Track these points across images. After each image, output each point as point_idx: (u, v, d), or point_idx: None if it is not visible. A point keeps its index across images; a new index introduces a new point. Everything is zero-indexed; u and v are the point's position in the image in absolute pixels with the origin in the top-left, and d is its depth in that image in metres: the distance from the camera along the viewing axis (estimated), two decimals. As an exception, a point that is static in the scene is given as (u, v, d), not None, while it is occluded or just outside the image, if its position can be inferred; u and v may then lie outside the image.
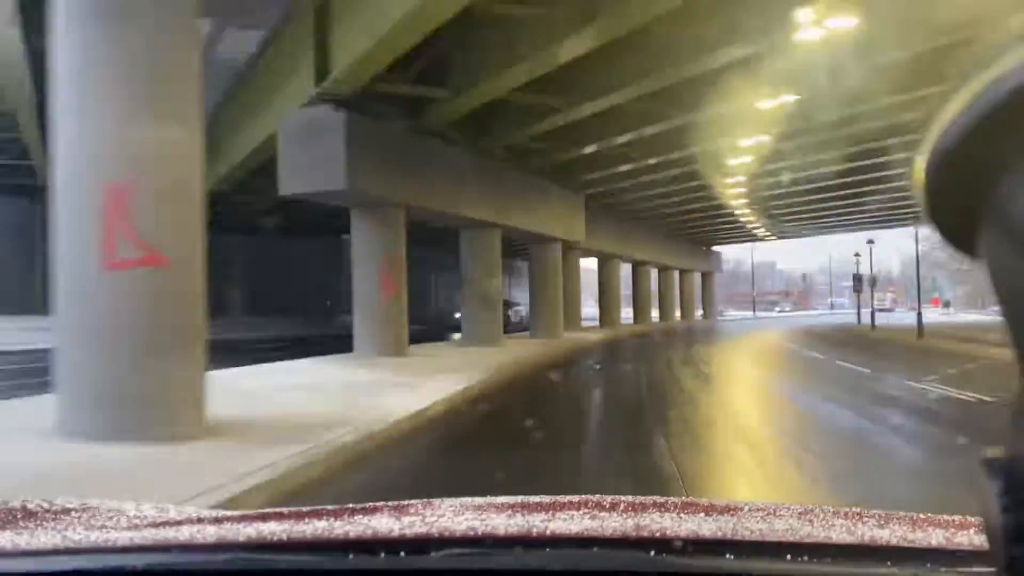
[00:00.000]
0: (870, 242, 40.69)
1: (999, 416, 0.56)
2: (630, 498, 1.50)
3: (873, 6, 10.89)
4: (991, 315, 33.03)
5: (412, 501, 1.50)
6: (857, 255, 43.51)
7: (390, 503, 1.49)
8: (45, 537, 1.26)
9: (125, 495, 2.05)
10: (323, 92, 13.10)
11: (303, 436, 6.28)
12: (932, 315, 45.25)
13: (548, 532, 1.18)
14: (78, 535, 1.27)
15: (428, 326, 28.24)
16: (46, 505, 1.57)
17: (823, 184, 25.21)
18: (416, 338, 17.71)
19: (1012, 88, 0.39)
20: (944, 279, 63.14)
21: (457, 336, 21.57)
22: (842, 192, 29.02)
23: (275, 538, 1.19)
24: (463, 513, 1.32)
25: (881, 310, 55.31)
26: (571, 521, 1.26)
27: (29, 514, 1.47)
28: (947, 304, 65.71)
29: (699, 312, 54.20)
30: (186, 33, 6.65)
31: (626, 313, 40.14)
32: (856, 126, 17.46)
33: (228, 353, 13.09)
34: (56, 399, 6.37)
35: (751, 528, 1.18)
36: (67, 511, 1.50)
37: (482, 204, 18.81)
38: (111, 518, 1.46)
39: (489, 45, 12.76)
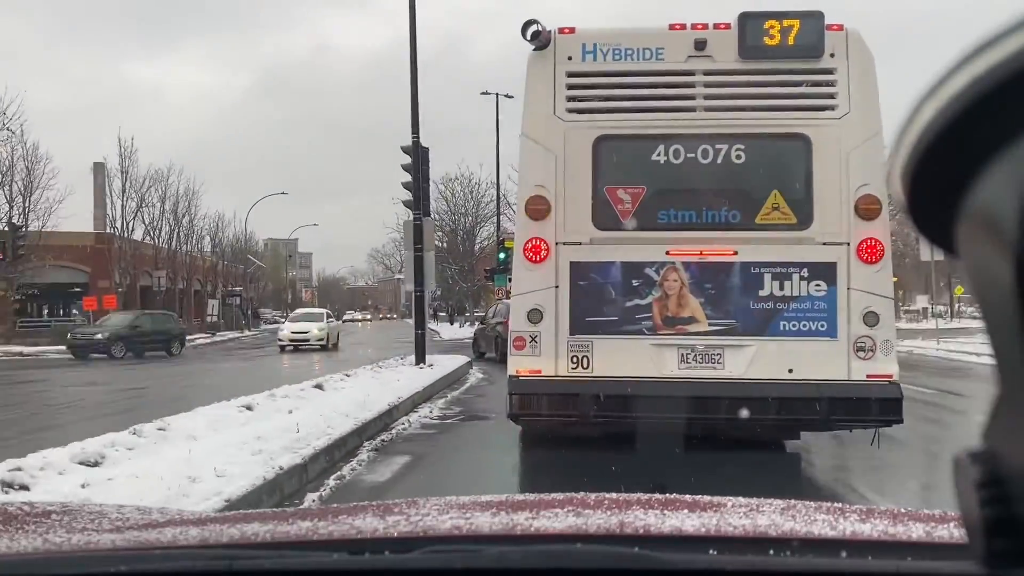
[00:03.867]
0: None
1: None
2: (614, 496, 1.49)
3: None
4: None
5: (397, 501, 1.49)
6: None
7: (375, 503, 1.49)
8: (26, 540, 1.24)
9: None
10: None
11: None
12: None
13: (532, 530, 1.20)
14: (59, 538, 1.26)
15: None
16: (27, 508, 1.55)
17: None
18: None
19: (990, 85, 0.40)
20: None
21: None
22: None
23: (259, 539, 1.19)
24: (448, 512, 1.31)
25: None
26: (555, 519, 1.27)
27: (9, 517, 1.44)
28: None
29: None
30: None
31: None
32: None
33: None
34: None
35: (734, 524, 1.19)
36: (48, 514, 1.46)
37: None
38: (92, 520, 1.44)
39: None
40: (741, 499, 1.43)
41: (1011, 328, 0.41)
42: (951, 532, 1.13)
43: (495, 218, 37.54)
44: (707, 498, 1.48)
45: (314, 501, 5.39)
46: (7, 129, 30.20)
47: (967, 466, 0.47)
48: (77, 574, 1.11)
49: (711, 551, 1.07)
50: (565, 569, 1.06)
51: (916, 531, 1.16)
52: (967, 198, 0.44)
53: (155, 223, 43.01)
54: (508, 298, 27.77)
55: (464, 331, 36.02)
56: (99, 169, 40.95)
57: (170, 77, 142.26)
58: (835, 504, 1.42)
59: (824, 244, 5.37)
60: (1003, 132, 0.41)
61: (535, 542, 1.15)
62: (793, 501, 1.40)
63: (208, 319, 48.30)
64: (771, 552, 1.06)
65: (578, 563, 1.05)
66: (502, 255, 29.58)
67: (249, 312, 56.19)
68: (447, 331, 40.96)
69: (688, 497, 1.50)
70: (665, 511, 1.31)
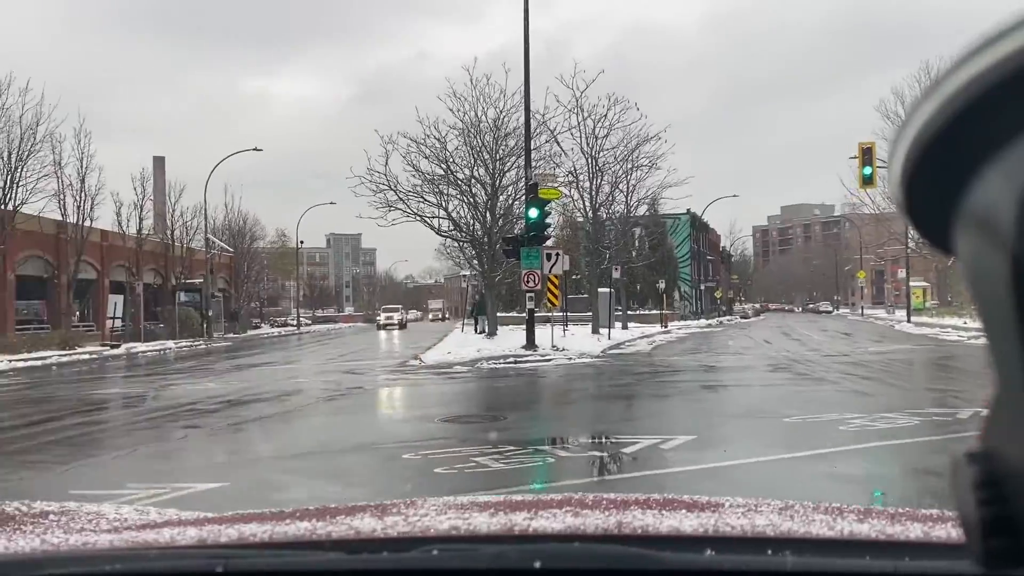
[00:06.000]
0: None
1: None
2: (612, 496, 1.59)
3: None
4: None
5: (395, 501, 1.51)
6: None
7: (373, 504, 1.48)
8: (23, 541, 1.27)
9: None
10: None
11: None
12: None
13: (531, 530, 1.21)
14: (57, 539, 1.29)
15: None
16: (24, 508, 1.60)
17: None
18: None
19: (988, 84, 0.40)
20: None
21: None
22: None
23: (256, 539, 1.20)
24: (445, 512, 1.35)
25: None
26: (553, 519, 1.27)
27: (7, 517, 1.50)
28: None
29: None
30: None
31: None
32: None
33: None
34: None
35: (732, 524, 1.20)
36: (45, 514, 1.53)
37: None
38: (91, 521, 1.50)
39: None
40: (739, 499, 1.46)
41: (1008, 327, 0.42)
42: (949, 532, 1.14)
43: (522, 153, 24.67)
44: (705, 498, 1.53)
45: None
46: None
47: (964, 466, 0.47)
48: (74, 574, 1.12)
49: (709, 551, 1.08)
50: (563, 569, 1.07)
51: (914, 531, 1.18)
52: (964, 198, 0.44)
53: None
54: (539, 287, 23.60)
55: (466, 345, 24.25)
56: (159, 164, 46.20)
57: (279, 90, 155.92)
58: (833, 504, 1.41)
59: None
60: (1001, 132, 0.42)
61: (533, 542, 1.16)
62: (791, 501, 1.41)
63: (110, 323, 34.60)
64: (769, 552, 1.08)
65: (576, 563, 1.08)
66: (533, 211, 21.39)
67: (210, 313, 41.29)
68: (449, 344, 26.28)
69: (687, 497, 1.55)
70: (663, 511, 1.32)
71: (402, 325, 59.09)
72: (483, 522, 1.26)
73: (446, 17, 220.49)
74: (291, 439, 9.32)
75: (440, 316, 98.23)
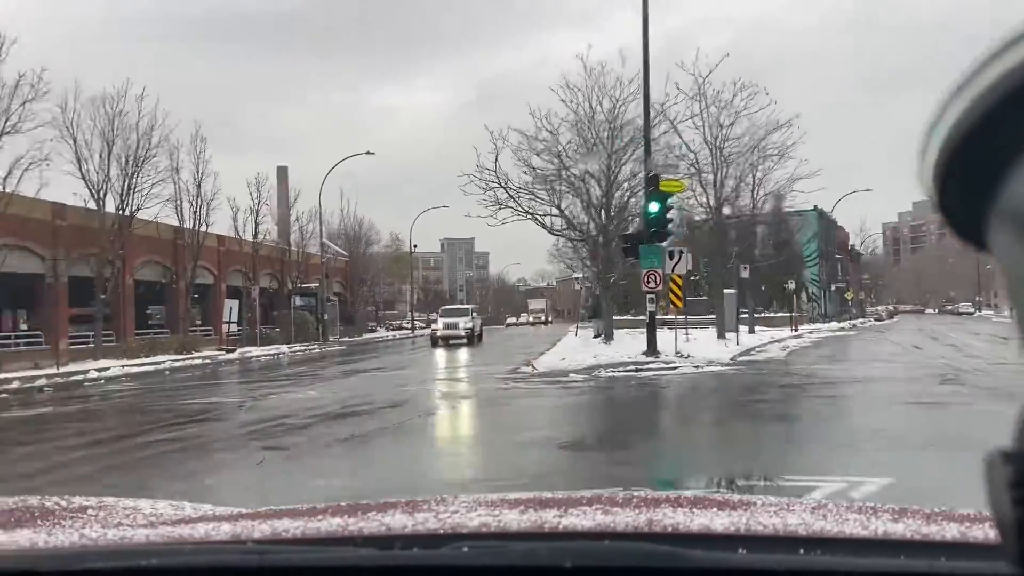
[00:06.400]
0: None
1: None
2: (643, 493, 1.59)
3: None
4: None
5: (426, 498, 1.52)
6: None
7: (403, 500, 1.50)
8: (63, 535, 1.31)
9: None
10: None
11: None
12: None
13: (561, 527, 1.21)
14: (95, 533, 1.33)
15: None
16: (63, 503, 1.65)
17: None
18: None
19: (1021, 79, 0.40)
20: None
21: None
22: None
23: (289, 535, 1.21)
24: (476, 510, 1.35)
25: None
26: (583, 517, 1.28)
27: (46, 512, 1.56)
28: None
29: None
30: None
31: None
32: None
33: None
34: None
35: (764, 523, 1.21)
36: (84, 509, 1.58)
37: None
38: (128, 516, 1.53)
39: None
40: (771, 498, 1.47)
41: None
42: (986, 532, 1.11)
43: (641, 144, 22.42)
44: (736, 497, 1.60)
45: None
46: None
47: (999, 466, 0.46)
48: (112, 567, 1.14)
49: (741, 550, 1.07)
50: (593, 567, 1.05)
51: (950, 531, 1.17)
52: (999, 194, 0.44)
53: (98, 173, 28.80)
54: (660, 287, 21.57)
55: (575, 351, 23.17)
56: (282, 174, 48.79)
57: (400, 98, 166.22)
58: (867, 503, 1.42)
59: None
60: None
61: (563, 539, 1.16)
62: (824, 500, 1.44)
63: (226, 328, 33.62)
64: (801, 551, 1.07)
65: (606, 560, 1.05)
66: (654, 205, 19.45)
67: (325, 317, 42.18)
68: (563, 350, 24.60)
69: (718, 496, 1.64)
70: (694, 509, 1.32)
71: (473, 338, 35.64)
72: (513, 519, 1.27)
73: (568, 23, 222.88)
74: (380, 469, 7.88)
75: (542, 319, 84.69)
